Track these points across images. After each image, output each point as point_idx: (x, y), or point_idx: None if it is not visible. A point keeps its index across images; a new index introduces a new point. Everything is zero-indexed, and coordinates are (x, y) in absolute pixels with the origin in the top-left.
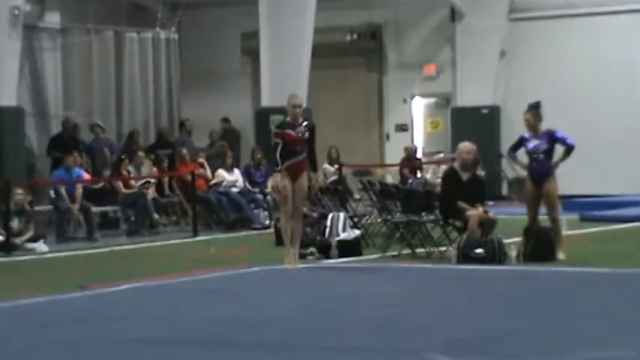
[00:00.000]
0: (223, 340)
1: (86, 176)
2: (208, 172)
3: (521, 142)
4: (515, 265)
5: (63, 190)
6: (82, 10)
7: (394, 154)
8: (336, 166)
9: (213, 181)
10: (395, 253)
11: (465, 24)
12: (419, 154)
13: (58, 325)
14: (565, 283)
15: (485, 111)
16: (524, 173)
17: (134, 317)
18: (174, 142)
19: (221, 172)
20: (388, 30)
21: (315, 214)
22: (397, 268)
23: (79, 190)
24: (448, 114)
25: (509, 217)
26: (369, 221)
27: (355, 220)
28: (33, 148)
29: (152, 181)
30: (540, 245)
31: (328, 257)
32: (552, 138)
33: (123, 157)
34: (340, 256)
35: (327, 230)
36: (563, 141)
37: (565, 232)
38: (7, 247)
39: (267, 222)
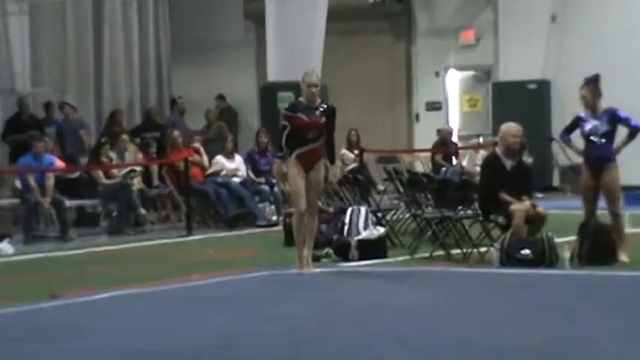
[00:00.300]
0: (224, 355)
1: (59, 164)
2: (205, 159)
3: (576, 123)
4: (568, 269)
5: (32, 181)
6: None
7: (425, 137)
8: (357, 151)
9: (210, 170)
10: (426, 254)
11: None
12: (454, 138)
13: (28, 340)
14: (628, 289)
15: (532, 86)
16: (579, 160)
17: (117, 331)
18: (164, 124)
19: (219, 159)
20: None
21: (331, 209)
22: (428, 272)
23: (51, 180)
24: (489, 90)
25: (562, 212)
26: (395, 217)
27: (379, 215)
28: None
29: (138, 169)
30: (599, 245)
31: (347, 259)
32: (614, 118)
33: (103, 141)
34: (361, 258)
35: (346, 228)
36: (626, 122)
37: (628, 229)
38: None
39: (275, 218)
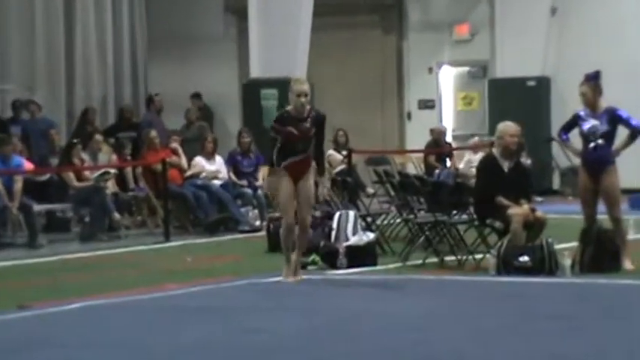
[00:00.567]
0: None
1: (28, 166)
2: (183, 161)
3: (575, 122)
4: (569, 277)
5: None
6: None
7: (417, 137)
8: (345, 152)
9: (189, 172)
10: (418, 261)
11: None
12: (448, 138)
13: None
14: (633, 298)
15: (531, 83)
16: (578, 161)
17: (87, 343)
18: (139, 123)
19: (199, 160)
20: None
21: (317, 213)
22: (421, 280)
23: (19, 183)
24: (485, 87)
25: (563, 217)
26: (385, 222)
27: (368, 220)
28: None
29: (112, 171)
30: (601, 252)
31: (335, 267)
32: (614, 118)
33: (75, 141)
34: (350, 266)
35: (334, 233)
36: (627, 122)
37: (632, 235)
38: None
39: (258, 223)
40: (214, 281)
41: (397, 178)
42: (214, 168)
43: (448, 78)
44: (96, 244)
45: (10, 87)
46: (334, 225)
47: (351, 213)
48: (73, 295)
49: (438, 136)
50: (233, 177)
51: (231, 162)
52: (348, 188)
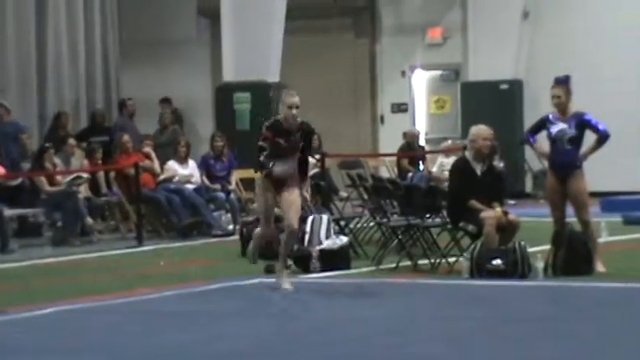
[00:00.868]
0: None
1: None
2: (156, 165)
3: (543, 124)
4: (542, 280)
5: None
6: None
7: (390, 141)
8: (318, 156)
9: (162, 176)
10: (392, 265)
11: None
12: (421, 141)
13: None
14: (605, 301)
15: (504, 86)
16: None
17: (57, 348)
18: (111, 128)
19: (172, 164)
20: None
21: None
22: (395, 284)
23: None
24: (457, 90)
25: (535, 220)
26: (358, 225)
27: (342, 224)
28: None
29: (85, 176)
30: (574, 255)
31: (308, 271)
32: (582, 122)
33: (47, 145)
34: (323, 270)
35: (307, 237)
36: (595, 127)
37: (604, 237)
38: None
39: (231, 227)
40: (187, 285)
41: (370, 182)
42: (187, 172)
43: (421, 81)
44: (68, 249)
45: None
46: (307, 229)
47: (325, 217)
48: (45, 300)
49: (411, 139)
50: (206, 181)
51: (204, 166)
52: (321, 192)
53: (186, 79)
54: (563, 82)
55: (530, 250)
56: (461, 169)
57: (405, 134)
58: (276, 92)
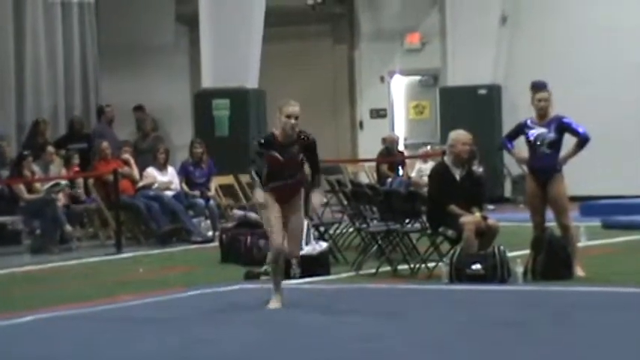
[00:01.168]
0: None
1: None
2: (135, 171)
3: (520, 130)
4: (522, 284)
5: None
6: None
7: (369, 146)
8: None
9: (141, 183)
10: (371, 270)
11: None
12: (400, 147)
13: None
14: (585, 305)
15: (482, 91)
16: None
17: (42, 356)
18: (90, 134)
19: (151, 171)
20: None
21: None
22: (374, 290)
23: None
24: (436, 95)
25: (514, 225)
26: (338, 231)
27: (321, 229)
28: None
29: (63, 183)
30: (553, 259)
31: (288, 277)
32: (561, 126)
33: (25, 153)
34: (303, 276)
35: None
36: (575, 130)
37: (584, 242)
38: None
39: (210, 233)
40: (167, 292)
41: (350, 187)
42: (166, 179)
43: (400, 87)
44: (47, 257)
45: None
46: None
47: (304, 222)
48: (24, 308)
49: (390, 144)
50: (185, 187)
51: (184, 172)
52: None
53: (165, 85)
54: (544, 87)
55: (509, 254)
56: (440, 174)
57: (384, 140)
58: (254, 98)
